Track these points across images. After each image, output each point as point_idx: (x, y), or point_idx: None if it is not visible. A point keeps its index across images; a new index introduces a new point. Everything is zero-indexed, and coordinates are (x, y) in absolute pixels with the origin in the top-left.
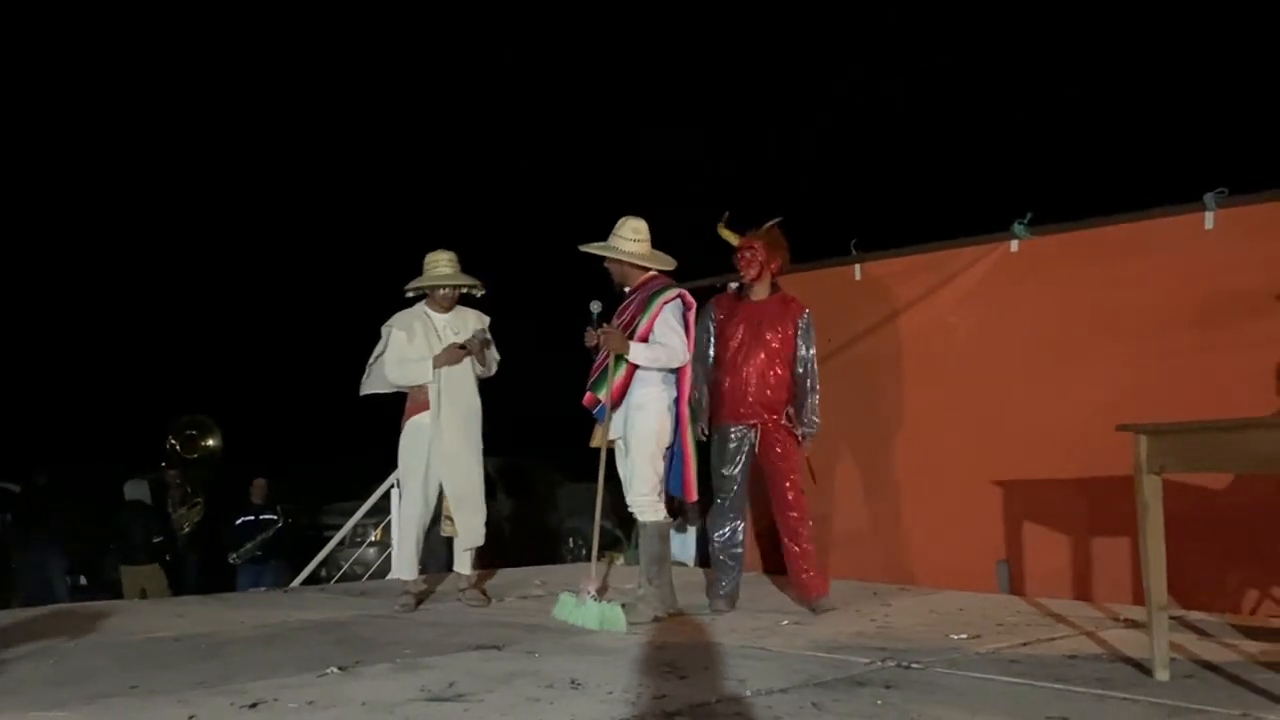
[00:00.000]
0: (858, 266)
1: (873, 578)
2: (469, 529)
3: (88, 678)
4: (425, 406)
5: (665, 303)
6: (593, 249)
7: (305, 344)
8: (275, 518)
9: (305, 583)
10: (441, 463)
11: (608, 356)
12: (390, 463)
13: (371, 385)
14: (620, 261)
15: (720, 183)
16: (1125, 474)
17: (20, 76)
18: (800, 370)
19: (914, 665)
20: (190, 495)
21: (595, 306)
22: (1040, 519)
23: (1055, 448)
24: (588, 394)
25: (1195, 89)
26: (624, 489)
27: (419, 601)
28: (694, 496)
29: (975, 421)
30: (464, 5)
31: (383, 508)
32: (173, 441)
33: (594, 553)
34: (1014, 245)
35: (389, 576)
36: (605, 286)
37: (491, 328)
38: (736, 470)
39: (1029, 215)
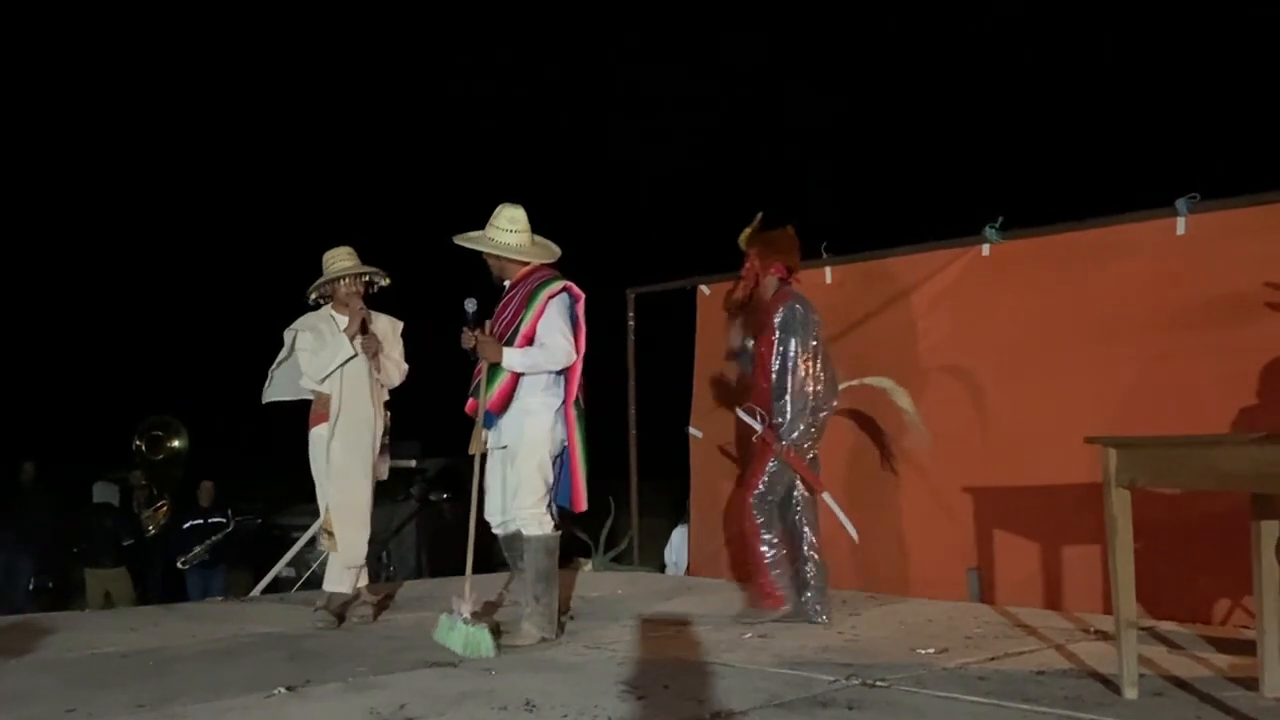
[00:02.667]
0: (828, 269)
1: (843, 585)
2: (349, 544)
3: (23, 699)
4: (322, 418)
5: (550, 297)
6: (465, 241)
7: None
8: (224, 520)
9: (270, 586)
10: (330, 473)
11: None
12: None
13: (275, 392)
14: (499, 257)
15: (688, 184)
16: (1096, 482)
17: None
18: (772, 371)
19: (879, 684)
20: (155, 497)
21: (470, 305)
22: (1011, 527)
23: (1027, 454)
24: (470, 400)
25: (1168, 94)
26: (497, 499)
27: (341, 618)
28: (583, 506)
29: (946, 427)
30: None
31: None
32: (138, 443)
33: (468, 569)
34: (985, 249)
35: (323, 589)
36: (483, 280)
37: (406, 332)
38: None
39: (1001, 219)
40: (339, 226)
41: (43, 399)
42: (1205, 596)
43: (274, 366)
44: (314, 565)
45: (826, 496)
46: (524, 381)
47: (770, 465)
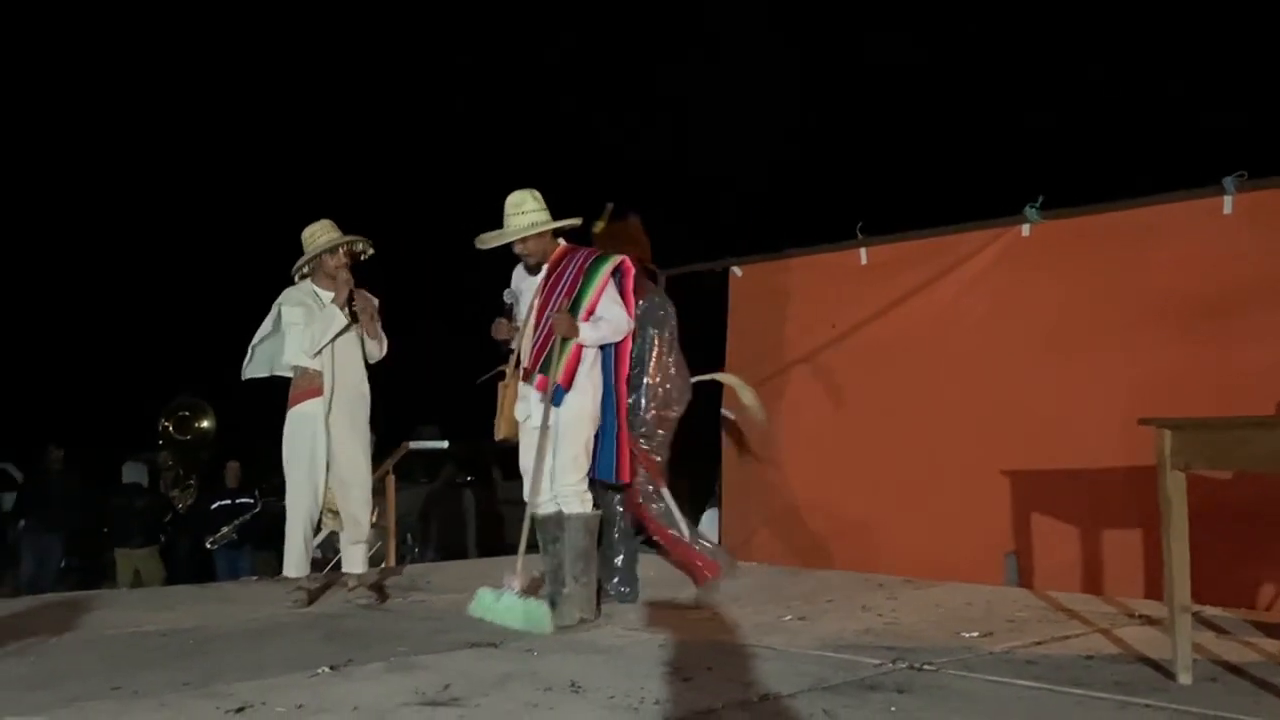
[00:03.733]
0: (863, 250)
1: (877, 569)
2: (355, 520)
3: (68, 677)
4: (312, 393)
5: (611, 272)
6: (501, 239)
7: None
8: (251, 501)
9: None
10: (329, 451)
11: (551, 338)
12: (391, 443)
13: (255, 368)
14: (540, 235)
15: (720, 166)
16: (1139, 465)
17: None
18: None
19: (926, 667)
20: (183, 478)
21: (510, 296)
22: (1050, 511)
23: (1066, 438)
24: (539, 378)
25: (1214, 70)
26: (537, 480)
27: (313, 598)
28: (627, 478)
29: (983, 410)
30: None
31: (378, 489)
32: (166, 424)
33: (521, 545)
34: (1025, 230)
35: (282, 574)
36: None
37: (424, 317)
38: None
39: (1041, 199)
40: (359, 210)
41: (69, 382)
42: (1252, 581)
43: (255, 341)
44: (337, 545)
45: (666, 493)
46: (583, 356)
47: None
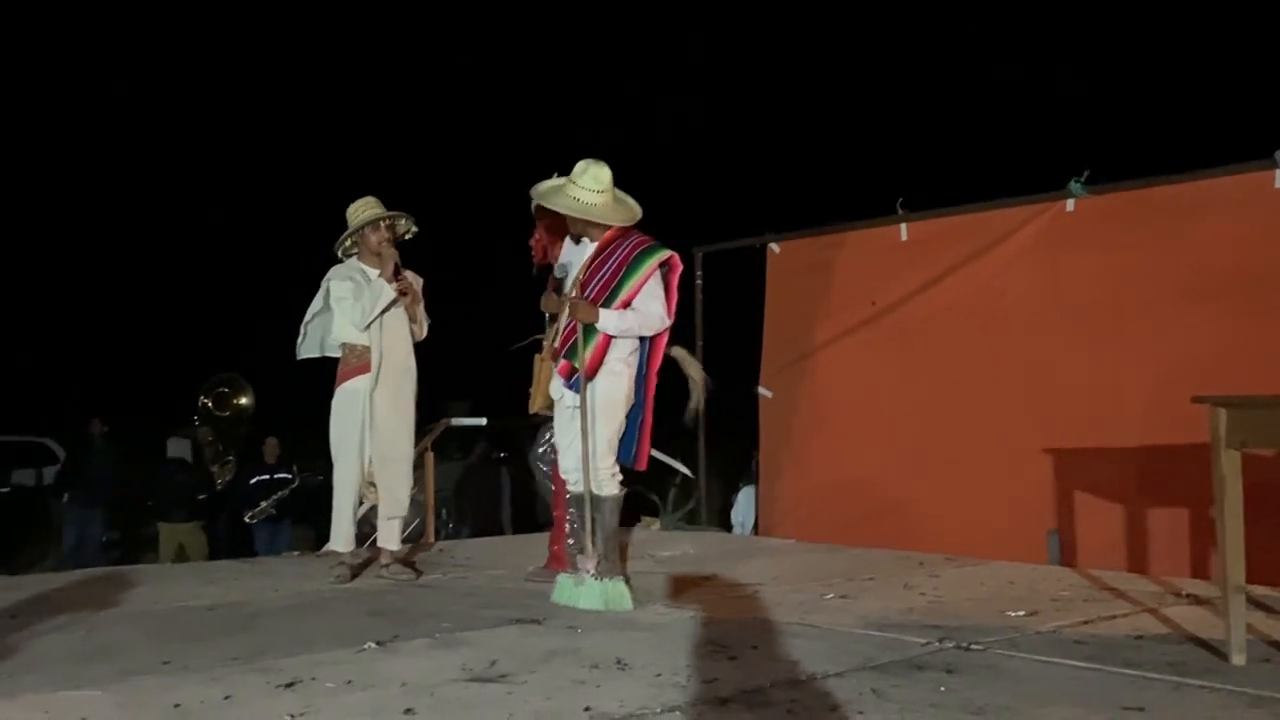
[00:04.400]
0: (903, 226)
1: (917, 547)
2: (393, 496)
3: (118, 651)
4: (360, 370)
5: (657, 265)
6: (548, 202)
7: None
8: (290, 476)
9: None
10: (372, 426)
11: (574, 323)
12: (423, 419)
13: (308, 348)
14: (589, 221)
15: (757, 141)
16: (1185, 443)
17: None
18: None
19: (974, 647)
20: (222, 453)
21: (560, 271)
22: (1093, 488)
23: (1110, 415)
24: (563, 363)
25: (1262, 41)
26: (571, 457)
27: (355, 573)
28: (644, 464)
29: (1025, 387)
30: None
31: (416, 465)
32: (205, 400)
33: (588, 527)
34: (1070, 204)
35: (325, 548)
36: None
37: (457, 293)
38: None
39: (1086, 173)
40: (397, 187)
41: (109, 357)
42: None
43: (307, 319)
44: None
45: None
46: (614, 343)
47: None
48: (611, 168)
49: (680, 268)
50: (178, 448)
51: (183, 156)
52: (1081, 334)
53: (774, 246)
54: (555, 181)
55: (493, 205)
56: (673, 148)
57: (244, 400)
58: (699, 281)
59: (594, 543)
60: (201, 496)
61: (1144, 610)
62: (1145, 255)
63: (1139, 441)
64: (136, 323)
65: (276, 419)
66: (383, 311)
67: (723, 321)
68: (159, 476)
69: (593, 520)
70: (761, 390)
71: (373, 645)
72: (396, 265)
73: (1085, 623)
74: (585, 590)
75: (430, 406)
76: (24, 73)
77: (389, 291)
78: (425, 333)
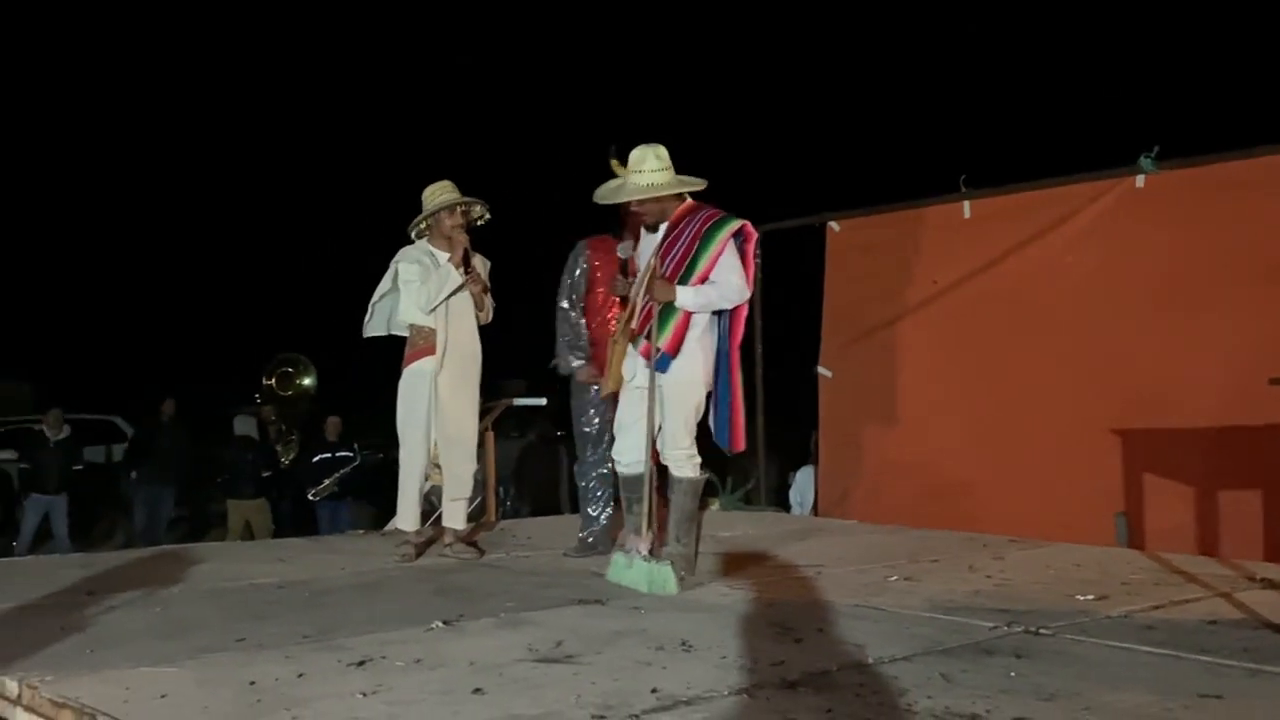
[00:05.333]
0: (966, 204)
1: (980, 528)
2: (457, 477)
3: (193, 628)
4: (426, 352)
5: (730, 236)
6: (618, 197)
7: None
8: (351, 455)
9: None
10: (437, 407)
11: (651, 303)
12: (490, 397)
13: (374, 326)
14: (659, 198)
15: (814, 111)
16: (1259, 424)
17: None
18: None
19: (1043, 631)
20: (285, 432)
21: (623, 251)
22: (1161, 470)
23: (1179, 396)
24: (644, 344)
25: None
26: (631, 438)
27: (420, 552)
28: (741, 446)
29: (1093, 368)
30: None
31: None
32: (268, 380)
33: (644, 507)
34: (1139, 181)
35: (389, 526)
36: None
37: (493, 275)
38: None
39: (1156, 148)
40: (455, 167)
41: (178, 335)
42: None
43: (375, 299)
44: (436, 502)
45: None
46: (692, 321)
47: None
48: (671, 147)
49: (755, 236)
50: (244, 425)
51: (252, 140)
52: (1151, 313)
53: (833, 225)
54: (615, 182)
55: (560, 185)
56: (732, 126)
57: (306, 380)
58: (757, 261)
59: (648, 524)
60: (266, 474)
61: (1217, 595)
62: (1218, 233)
63: (1210, 422)
64: (205, 302)
65: (338, 398)
66: (448, 297)
67: (782, 301)
68: (227, 454)
69: (649, 501)
70: (821, 370)
71: (439, 624)
72: (466, 251)
73: (1156, 607)
74: (634, 571)
75: (486, 386)
76: (105, 56)
77: (455, 277)
78: (490, 317)
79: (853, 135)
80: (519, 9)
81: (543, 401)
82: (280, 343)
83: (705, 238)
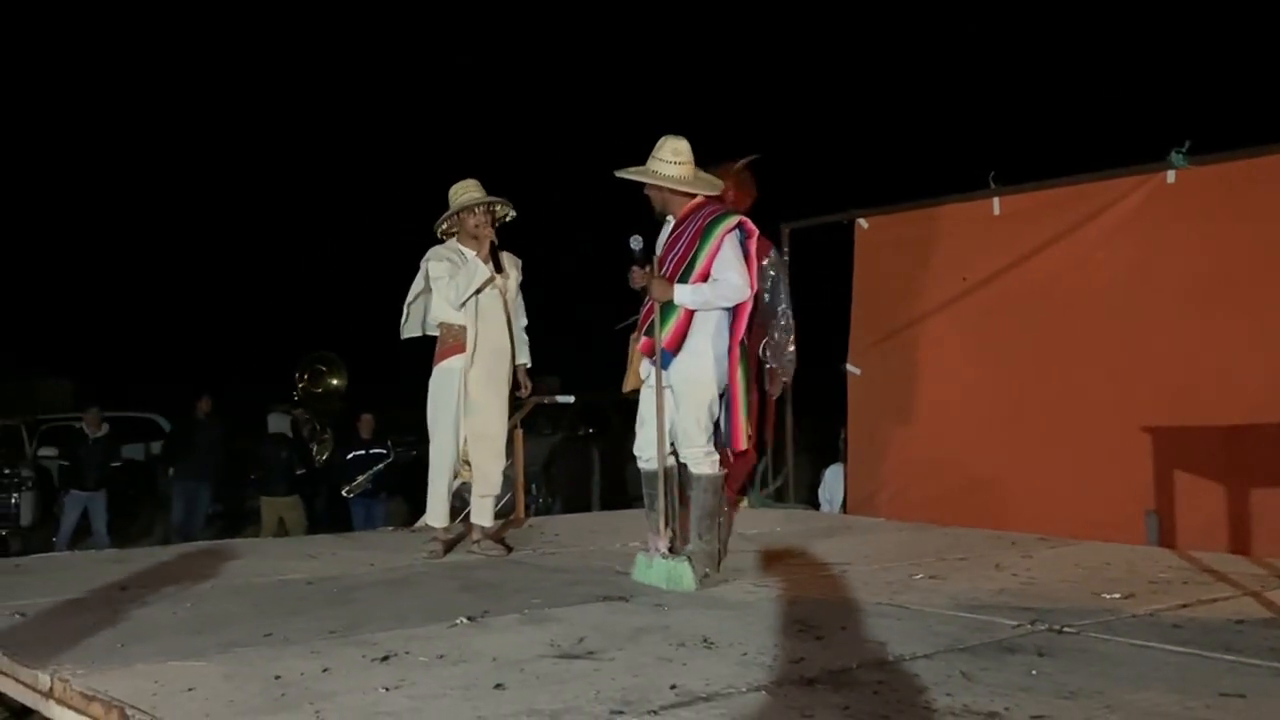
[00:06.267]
0: (996, 200)
1: (1010, 526)
2: (486, 474)
3: (223, 623)
4: (457, 350)
5: (726, 233)
6: (628, 174)
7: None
8: (385, 452)
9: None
10: (466, 404)
11: (652, 300)
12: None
13: (410, 327)
14: (661, 188)
15: (843, 108)
16: None
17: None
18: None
19: (1066, 629)
20: (318, 431)
21: (635, 243)
22: (1193, 468)
23: (1210, 393)
24: (644, 340)
25: None
26: (650, 434)
27: (448, 548)
28: (742, 445)
29: (1124, 365)
30: None
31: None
32: (300, 378)
33: (662, 505)
34: (1171, 176)
35: (419, 523)
36: (645, 215)
37: (525, 269)
38: None
39: (1188, 143)
40: (483, 165)
41: (214, 334)
42: None
43: (409, 301)
44: (467, 497)
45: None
46: (695, 320)
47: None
48: (699, 145)
49: (756, 232)
50: (278, 423)
51: (292, 140)
52: (1182, 310)
53: (862, 222)
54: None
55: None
56: (761, 123)
57: (337, 380)
58: (786, 258)
59: (667, 522)
60: (301, 471)
61: (1246, 594)
62: (1250, 229)
63: (1242, 419)
64: (246, 300)
65: (371, 395)
66: (477, 291)
67: (811, 298)
68: (262, 451)
69: (665, 499)
70: (850, 367)
71: (464, 620)
72: (494, 247)
73: (1183, 606)
74: (655, 569)
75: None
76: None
77: (484, 271)
78: (525, 319)
79: (882, 132)
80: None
81: (571, 399)
82: (316, 340)
83: (704, 234)
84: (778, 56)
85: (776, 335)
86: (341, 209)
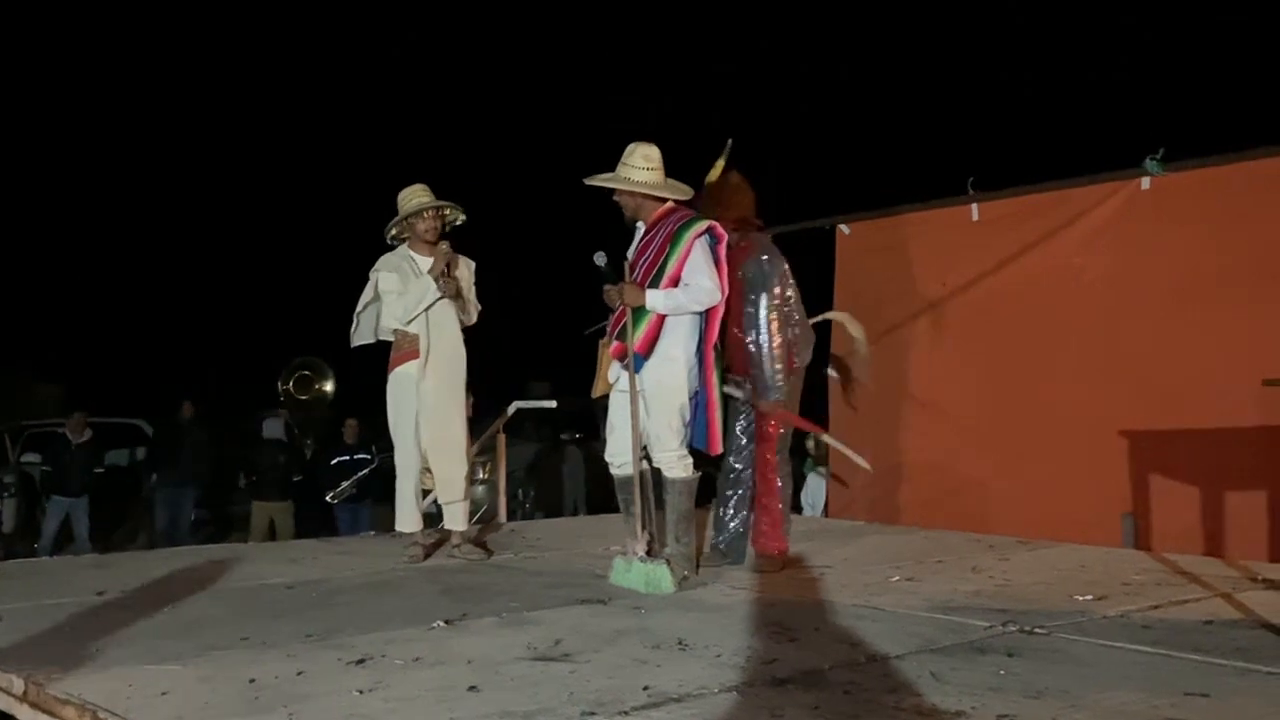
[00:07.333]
0: (974, 206)
1: (989, 530)
2: (448, 480)
3: (200, 627)
4: (410, 355)
5: (695, 237)
6: (600, 181)
7: None
8: (369, 457)
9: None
10: (422, 411)
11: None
12: (504, 398)
13: (361, 335)
14: (634, 194)
15: (822, 114)
16: (1264, 425)
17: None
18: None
19: (1037, 630)
20: (298, 436)
21: (600, 259)
22: (1168, 471)
23: (1186, 397)
24: (615, 344)
25: None
26: (621, 440)
27: (429, 553)
28: (719, 449)
29: (1099, 369)
30: None
31: (490, 446)
32: (285, 384)
33: (638, 509)
34: (1145, 183)
35: (395, 530)
36: (614, 223)
37: (479, 271)
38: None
39: (1162, 150)
40: (474, 168)
41: (199, 340)
42: None
43: (359, 309)
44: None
45: (828, 436)
46: (667, 324)
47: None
48: (677, 151)
49: (725, 237)
50: (273, 428)
51: (278, 144)
52: (1157, 314)
53: (844, 228)
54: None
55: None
56: (741, 127)
57: (325, 386)
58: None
59: (644, 526)
60: (297, 477)
61: (1217, 595)
62: (1223, 234)
63: (1216, 424)
64: (234, 306)
65: (357, 400)
66: (426, 309)
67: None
68: (260, 456)
69: (642, 503)
70: (830, 372)
71: (442, 624)
72: (449, 263)
73: (1155, 607)
74: (633, 572)
75: (511, 385)
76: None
77: (432, 292)
78: (475, 319)
79: (863, 139)
80: (528, 9)
81: (552, 404)
82: (304, 345)
83: (674, 239)
84: (756, 63)
85: (798, 330)
86: (329, 212)
